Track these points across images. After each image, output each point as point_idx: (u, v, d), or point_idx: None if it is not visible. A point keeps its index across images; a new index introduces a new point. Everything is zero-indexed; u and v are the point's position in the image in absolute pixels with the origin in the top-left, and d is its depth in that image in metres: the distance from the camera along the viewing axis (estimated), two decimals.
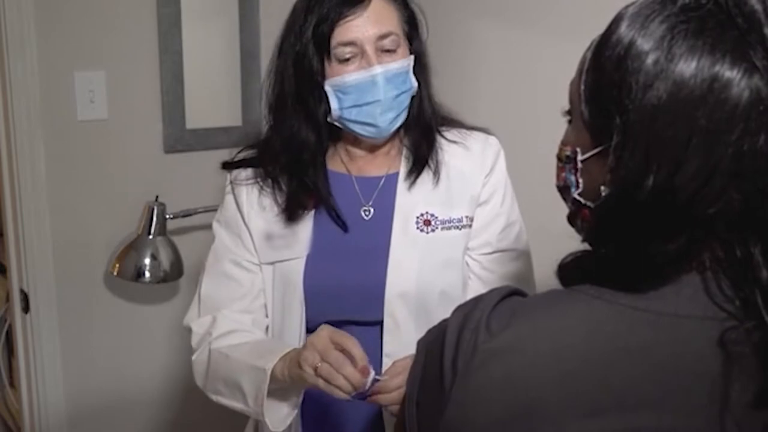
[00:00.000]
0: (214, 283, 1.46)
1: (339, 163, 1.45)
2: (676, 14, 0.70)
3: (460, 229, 1.43)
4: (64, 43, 2.16)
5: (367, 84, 1.33)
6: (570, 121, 0.82)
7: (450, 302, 1.37)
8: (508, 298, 0.82)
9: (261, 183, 1.42)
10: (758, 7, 0.68)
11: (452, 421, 0.76)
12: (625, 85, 0.71)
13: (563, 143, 0.82)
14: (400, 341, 1.39)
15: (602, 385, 0.73)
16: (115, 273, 2.24)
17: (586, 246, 0.80)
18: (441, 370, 0.78)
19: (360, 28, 1.31)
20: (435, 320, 1.36)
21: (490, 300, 0.80)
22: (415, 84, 1.38)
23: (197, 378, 1.44)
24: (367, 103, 1.34)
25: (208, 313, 1.45)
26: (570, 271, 0.81)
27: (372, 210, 1.42)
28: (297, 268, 1.40)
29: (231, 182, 1.47)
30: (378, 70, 1.32)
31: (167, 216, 2.28)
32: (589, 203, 0.78)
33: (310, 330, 1.39)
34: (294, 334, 1.42)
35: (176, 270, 2.31)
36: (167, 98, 2.33)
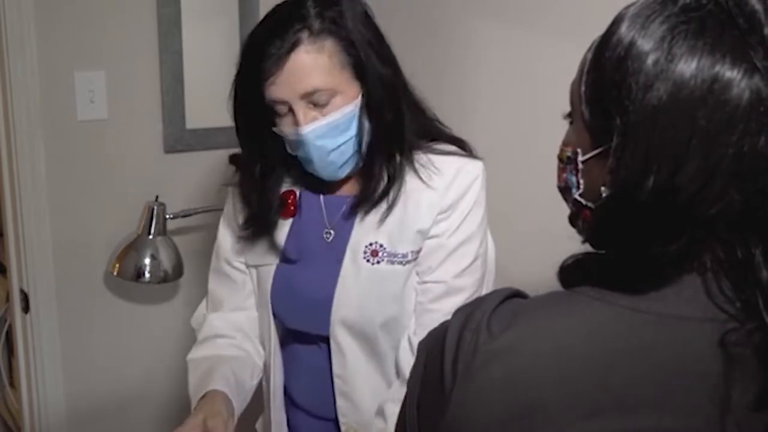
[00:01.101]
0: (214, 280, 1.54)
1: (311, 181, 1.43)
2: (677, 14, 0.70)
3: (404, 265, 1.37)
4: (64, 43, 2.15)
5: (297, 143, 1.30)
6: (571, 122, 0.82)
7: (393, 334, 1.41)
8: (510, 299, 0.82)
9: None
10: (759, 7, 0.68)
11: (453, 422, 0.76)
12: (626, 86, 0.71)
13: (564, 144, 0.82)
14: (346, 364, 1.41)
15: (602, 386, 0.73)
16: (115, 273, 2.24)
17: (586, 247, 0.80)
18: (441, 371, 0.78)
19: (282, 88, 1.25)
20: (379, 348, 1.40)
21: (491, 301, 0.80)
22: (366, 126, 1.32)
23: None
24: (302, 159, 1.33)
25: (211, 310, 1.53)
26: (571, 272, 0.81)
27: (332, 233, 1.41)
28: (268, 275, 1.44)
29: (232, 182, 1.50)
30: (305, 130, 1.27)
31: (167, 216, 2.27)
32: (590, 204, 0.78)
33: (291, 336, 1.50)
34: (267, 335, 1.49)
35: (176, 270, 2.30)
36: (167, 98, 2.32)
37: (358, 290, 1.38)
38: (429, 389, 0.81)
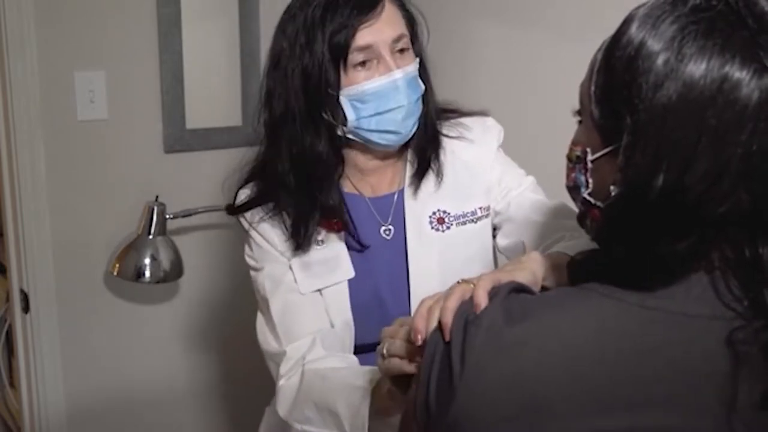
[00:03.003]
0: (285, 303, 1.36)
1: (350, 184, 1.41)
2: (687, 15, 0.70)
3: (476, 222, 1.40)
4: (64, 43, 2.15)
5: (388, 90, 1.28)
6: (580, 122, 0.82)
7: None
8: (514, 294, 0.82)
9: (282, 215, 1.36)
10: None
11: (459, 417, 0.77)
12: (636, 86, 0.71)
13: (573, 143, 0.82)
14: None
15: (610, 384, 0.73)
16: (115, 273, 2.23)
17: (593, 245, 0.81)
18: (449, 366, 0.79)
19: (376, 32, 1.28)
20: None
21: (499, 297, 0.81)
22: (422, 87, 1.35)
23: (281, 406, 1.32)
24: (389, 110, 1.29)
25: (296, 335, 1.35)
26: (579, 269, 0.81)
27: (392, 229, 1.40)
28: (342, 292, 1.36)
29: (250, 224, 1.39)
30: (399, 74, 1.28)
31: (167, 216, 2.27)
32: (598, 203, 0.78)
33: (356, 351, 1.38)
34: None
35: (176, 270, 2.30)
36: (167, 98, 2.32)
37: (434, 260, 1.37)
38: (436, 384, 0.81)
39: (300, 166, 1.33)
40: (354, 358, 1.36)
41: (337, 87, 1.29)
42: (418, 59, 1.35)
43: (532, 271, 1.00)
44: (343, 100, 1.30)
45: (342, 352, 1.36)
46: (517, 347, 0.76)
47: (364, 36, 1.27)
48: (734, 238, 0.72)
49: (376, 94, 1.29)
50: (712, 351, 0.72)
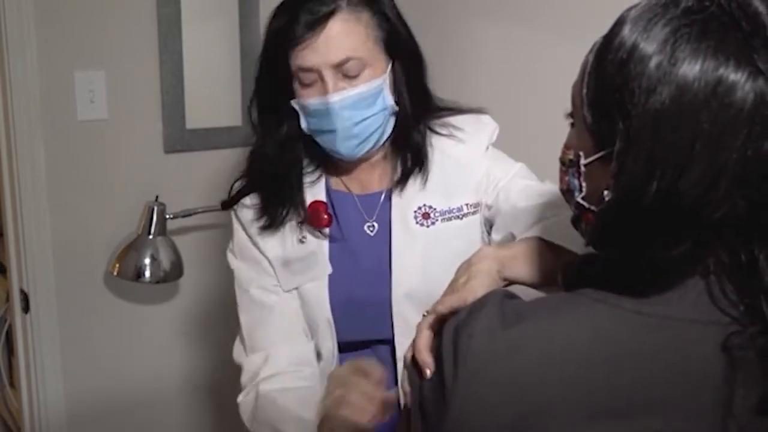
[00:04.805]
0: (250, 317, 1.41)
1: (337, 181, 1.42)
2: (679, 17, 0.69)
3: (461, 219, 1.39)
4: (64, 43, 2.15)
5: (322, 112, 1.27)
6: (572, 124, 0.81)
7: None
8: (507, 300, 0.82)
9: (265, 206, 1.39)
10: (762, 9, 0.67)
11: (455, 424, 0.76)
12: (628, 90, 0.70)
13: (566, 146, 0.81)
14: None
15: (605, 389, 0.73)
16: (115, 273, 2.23)
17: (588, 249, 0.80)
18: (442, 374, 0.78)
19: (315, 54, 1.24)
20: None
21: (489, 304, 0.80)
22: (390, 102, 1.31)
23: (244, 418, 1.38)
24: (324, 131, 1.29)
25: (256, 349, 1.39)
26: (573, 274, 0.81)
27: (376, 225, 1.40)
28: (321, 289, 1.37)
29: (235, 212, 1.42)
30: (333, 98, 1.25)
31: (167, 216, 2.27)
32: (592, 207, 0.77)
33: (341, 349, 1.39)
34: (327, 355, 1.39)
35: (176, 270, 2.30)
36: (167, 98, 2.32)
37: (417, 255, 1.36)
38: (431, 393, 0.80)
39: (266, 160, 1.36)
40: (309, 371, 1.37)
41: (291, 92, 1.30)
42: (385, 74, 1.30)
43: (487, 272, 1.01)
44: (296, 107, 1.30)
45: (315, 358, 1.38)
46: (511, 352, 0.75)
47: (303, 57, 1.25)
48: (730, 242, 0.72)
49: (315, 112, 1.28)
50: (708, 356, 0.72)
